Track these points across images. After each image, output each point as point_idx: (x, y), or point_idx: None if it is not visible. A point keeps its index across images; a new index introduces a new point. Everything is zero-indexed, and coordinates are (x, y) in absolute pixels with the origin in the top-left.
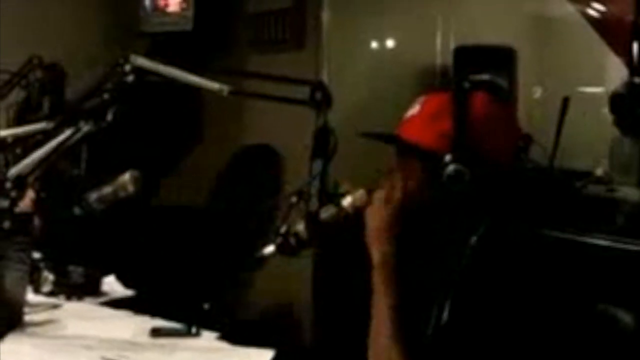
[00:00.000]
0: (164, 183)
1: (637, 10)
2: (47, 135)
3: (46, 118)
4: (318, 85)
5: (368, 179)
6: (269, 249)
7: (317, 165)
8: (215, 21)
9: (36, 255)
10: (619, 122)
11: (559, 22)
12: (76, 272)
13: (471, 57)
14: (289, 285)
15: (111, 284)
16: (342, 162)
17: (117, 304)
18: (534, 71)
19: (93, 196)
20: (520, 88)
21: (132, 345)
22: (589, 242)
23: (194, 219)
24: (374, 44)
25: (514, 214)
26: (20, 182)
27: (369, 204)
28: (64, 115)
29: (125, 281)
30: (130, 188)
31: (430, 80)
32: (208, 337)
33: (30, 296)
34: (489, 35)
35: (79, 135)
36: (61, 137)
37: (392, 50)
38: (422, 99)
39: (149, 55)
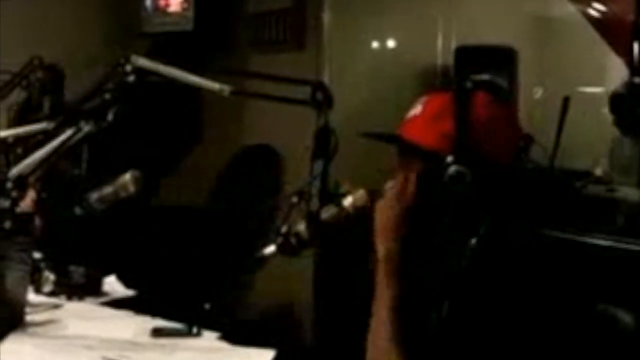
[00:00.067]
0: (164, 183)
1: (638, 10)
2: (47, 136)
3: (46, 118)
4: (319, 86)
5: (369, 179)
6: (270, 249)
7: (318, 165)
8: (215, 21)
9: (37, 255)
10: (619, 122)
11: (559, 22)
12: (77, 272)
13: (472, 57)
14: (289, 285)
15: (112, 284)
16: (343, 162)
17: (118, 304)
18: (534, 71)
19: (94, 196)
20: (521, 88)
21: (133, 345)
22: (589, 242)
23: (194, 219)
24: (375, 44)
25: (514, 214)
26: (21, 182)
27: (380, 198)
28: (64, 116)
29: (126, 281)
30: (131, 188)
31: (431, 81)
32: (209, 337)
33: (31, 296)
34: (490, 35)
35: (79, 135)
36: (62, 137)
37: (392, 50)
38: (424, 99)
39: (149, 55)
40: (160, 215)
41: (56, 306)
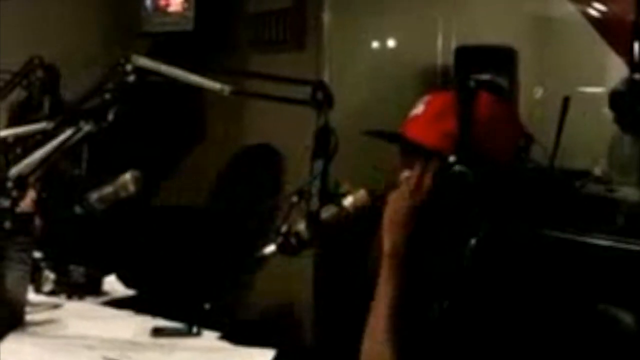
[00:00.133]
0: (164, 183)
1: (638, 10)
2: (47, 135)
3: (45, 118)
4: (319, 85)
5: (369, 179)
6: (270, 248)
7: (318, 165)
8: (216, 21)
9: (37, 255)
10: (619, 120)
11: (559, 22)
12: (77, 271)
13: (472, 57)
14: (289, 285)
15: (112, 284)
16: (343, 162)
17: (118, 303)
18: (534, 71)
19: (94, 196)
20: (521, 88)
21: (133, 344)
22: (589, 242)
23: (194, 219)
24: (375, 44)
25: (514, 213)
26: (21, 182)
27: (394, 190)
28: (64, 115)
29: (126, 281)
30: (131, 188)
31: (431, 81)
32: (209, 337)
33: (32, 296)
34: (490, 35)
35: (79, 135)
36: (62, 137)
37: (393, 50)
38: (426, 98)
39: (150, 55)
40: (160, 215)
41: (56, 306)
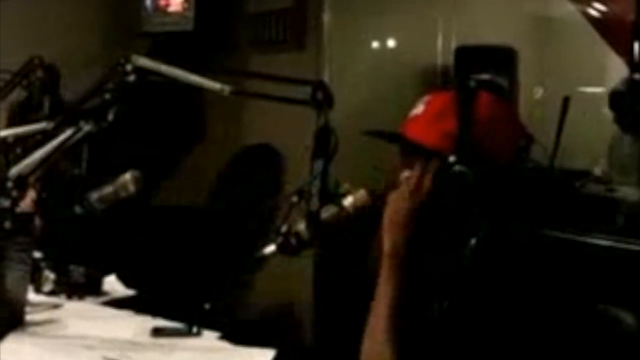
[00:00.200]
0: (164, 183)
1: (638, 10)
2: (47, 135)
3: (45, 118)
4: (319, 85)
5: (369, 179)
6: (270, 248)
7: (318, 165)
8: (216, 21)
9: (37, 254)
10: (619, 120)
11: (559, 22)
12: (77, 271)
13: (472, 57)
14: (289, 285)
15: (112, 284)
16: (343, 162)
17: (118, 303)
18: (534, 71)
19: (94, 196)
20: (521, 88)
21: (133, 344)
22: (589, 242)
23: (194, 219)
24: (375, 44)
25: (513, 213)
26: (21, 182)
27: (394, 190)
28: (64, 115)
29: (126, 281)
30: (131, 188)
31: (431, 81)
32: (209, 337)
33: (31, 296)
34: (490, 35)
35: (79, 135)
36: (62, 137)
37: (392, 50)
38: (426, 98)
39: (149, 55)
40: (160, 215)
41: (56, 306)
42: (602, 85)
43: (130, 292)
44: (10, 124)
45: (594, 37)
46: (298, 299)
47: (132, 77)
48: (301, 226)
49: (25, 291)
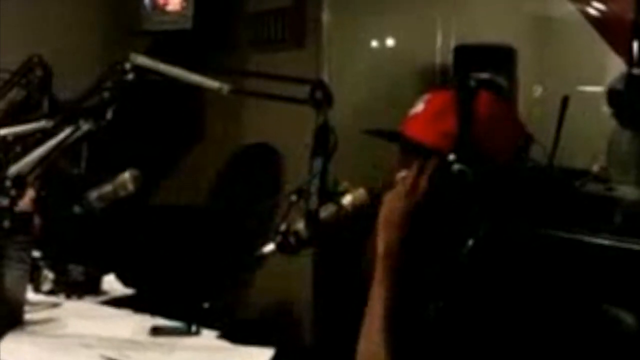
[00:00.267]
0: (163, 182)
1: (638, 9)
2: (46, 134)
3: (43, 117)
4: (318, 84)
5: (368, 178)
6: (269, 247)
7: (317, 163)
8: (215, 20)
9: (36, 254)
10: (617, 115)
11: (559, 21)
12: (76, 270)
13: (471, 56)
14: (289, 284)
15: (111, 283)
16: (342, 161)
17: (117, 302)
18: (534, 70)
19: (93, 195)
20: (520, 87)
21: (132, 343)
22: (588, 241)
23: (193, 218)
24: (374, 43)
25: (513, 212)
26: (20, 181)
27: (390, 190)
28: (63, 114)
29: (125, 280)
30: (130, 187)
31: (430, 79)
32: (208, 336)
33: (30, 295)
34: (489, 35)
35: (78, 133)
36: (61, 136)
37: (392, 49)
38: (426, 96)
39: (148, 54)
40: (160, 214)
41: (55, 305)
42: (602, 84)
43: (129, 291)
44: (4, 122)
45: (593, 37)
46: (297, 297)
47: (130, 76)
48: (300, 225)
49: (24, 290)
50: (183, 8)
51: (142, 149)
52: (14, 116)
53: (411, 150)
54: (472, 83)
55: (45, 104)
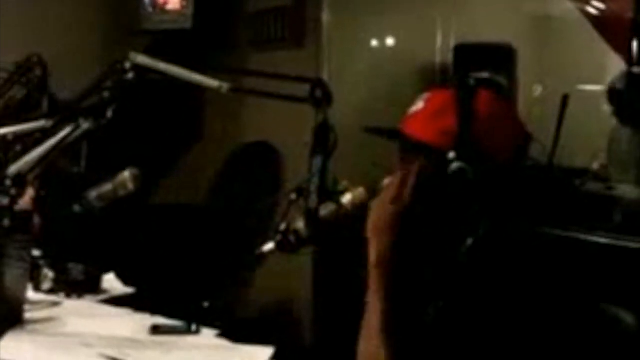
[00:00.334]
0: (163, 181)
1: (637, 8)
2: (46, 133)
3: (42, 116)
4: (318, 83)
5: (368, 177)
6: (269, 246)
7: (317, 162)
8: (214, 19)
9: (36, 253)
10: (617, 113)
11: (558, 20)
12: (76, 269)
13: (471, 55)
14: (288, 283)
15: (111, 282)
16: (342, 159)
17: (117, 301)
18: (534, 69)
19: (93, 194)
20: (520, 86)
21: (132, 342)
22: (588, 239)
23: (193, 217)
24: (374, 42)
25: (513, 211)
26: (20, 180)
27: (378, 195)
28: (63, 113)
29: (125, 279)
30: (130, 186)
31: (430, 78)
32: (208, 335)
33: (30, 294)
34: (489, 34)
35: (78, 132)
36: (61, 135)
37: (391, 48)
38: (426, 95)
39: (148, 53)
40: (159, 213)
41: (55, 304)
42: (602, 83)
43: (129, 290)
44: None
45: (593, 36)
46: (297, 296)
47: (130, 75)
48: (300, 224)
49: (24, 289)
50: (183, 7)
51: (142, 148)
52: (13, 115)
53: (411, 149)
54: (472, 82)
55: (45, 104)
